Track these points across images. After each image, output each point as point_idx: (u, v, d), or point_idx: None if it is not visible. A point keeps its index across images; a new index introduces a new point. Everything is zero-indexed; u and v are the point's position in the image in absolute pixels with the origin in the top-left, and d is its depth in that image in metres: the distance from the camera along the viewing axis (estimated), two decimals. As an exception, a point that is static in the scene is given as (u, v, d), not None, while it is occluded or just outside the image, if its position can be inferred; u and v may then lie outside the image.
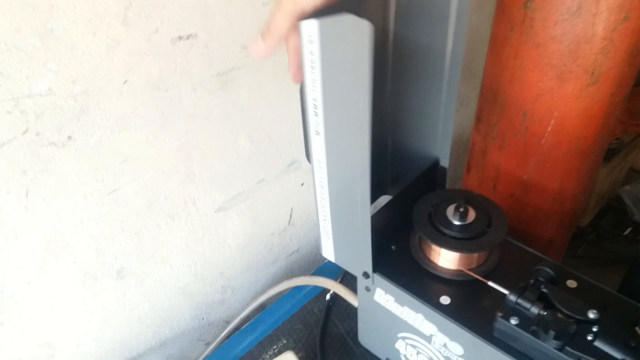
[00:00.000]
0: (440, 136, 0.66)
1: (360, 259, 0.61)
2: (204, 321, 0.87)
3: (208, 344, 0.89)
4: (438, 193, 0.63)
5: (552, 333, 0.48)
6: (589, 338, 0.48)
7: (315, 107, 0.52)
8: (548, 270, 0.54)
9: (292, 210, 0.90)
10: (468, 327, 0.55)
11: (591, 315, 0.50)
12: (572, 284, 0.57)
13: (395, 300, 0.61)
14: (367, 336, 0.72)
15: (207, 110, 0.67)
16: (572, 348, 0.48)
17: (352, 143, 0.52)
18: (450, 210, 0.59)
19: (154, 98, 0.61)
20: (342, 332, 0.76)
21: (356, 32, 0.45)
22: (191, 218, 0.73)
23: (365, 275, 0.62)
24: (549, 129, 0.83)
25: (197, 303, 0.83)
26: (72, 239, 0.62)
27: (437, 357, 0.61)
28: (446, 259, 0.59)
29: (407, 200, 0.63)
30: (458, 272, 0.59)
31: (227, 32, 0.64)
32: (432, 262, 0.61)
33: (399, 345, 0.66)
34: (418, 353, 0.64)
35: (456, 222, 0.58)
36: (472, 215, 0.59)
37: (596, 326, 0.49)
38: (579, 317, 0.50)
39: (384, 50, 0.63)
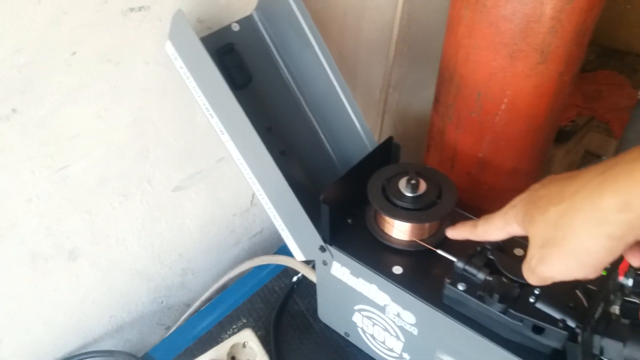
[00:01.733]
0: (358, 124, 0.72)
1: (312, 237, 0.62)
2: (163, 305, 0.86)
3: (168, 328, 0.88)
4: (392, 167, 0.64)
5: (496, 296, 0.50)
6: (531, 300, 0.50)
7: (208, 109, 0.61)
8: (495, 238, 0.56)
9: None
10: (418, 295, 0.56)
11: (534, 278, 0.51)
12: (519, 252, 0.58)
13: (351, 273, 0.62)
14: (326, 312, 0.73)
15: (161, 84, 0.66)
16: (515, 310, 0.50)
17: (242, 129, 0.60)
18: (402, 183, 0.60)
19: (105, 71, 0.60)
20: (303, 309, 0.77)
21: (179, 24, 0.57)
22: (146, 197, 0.72)
23: (322, 249, 0.63)
24: (503, 107, 0.85)
25: (155, 286, 0.82)
26: (19, 217, 0.60)
27: (391, 327, 0.62)
28: (398, 230, 0.60)
29: (363, 175, 0.63)
30: (410, 243, 0.60)
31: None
32: (386, 234, 0.62)
33: (356, 317, 0.67)
34: (374, 324, 0.65)
35: (408, 194, 0.59)
36: (423, 187, 0.60)
37: (538, 289, 0.51)
38: (522, 281, 0.51)
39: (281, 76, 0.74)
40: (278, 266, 0.83)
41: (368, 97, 1.06)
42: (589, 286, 0.50)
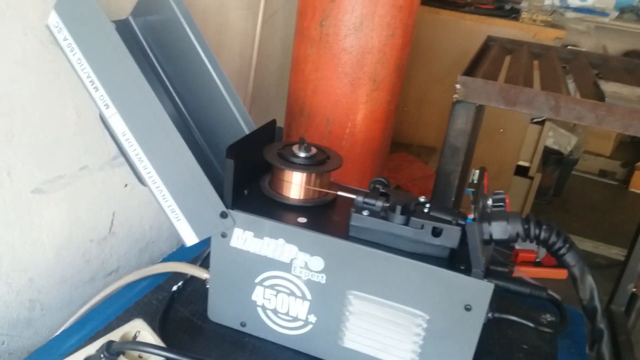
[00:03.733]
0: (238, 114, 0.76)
1: (212, 205, 0.62)
2: (3, 347, 0.69)
3: (2, 386, 0.70)
4: (280, 142, 0.70)
5: (399, 209, 0.57)
6: (426, 211, 0.59)
7: (92, 82, 0.61)
8: (382, 179, 0.65)
9: (113, 215, 0.83)
10: (327, 233, 0.60)
11: (422, 199, 0.61)
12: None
13: (255, 235, 0.63)
14: (218, 305, 0.69)
15: (37, 62, 0.63)
16: (416, 218, 0.57)
17: (141, 98, 0.61)
18: (295, 147, 0.66)
19: (-20, 28, 0.56)
20: (188, 315, 0.71)
21: None
22: (4, 192, 0.63)
23: (223, 214, 0.63)
24: (347, 131, 0.99)
25: (-4, 318, 0.67)
26: None
27: (297, 285, 0.63)
28: (297, 184, 0.65)
29: (251, 152, 0.67)
30: (308, 199, 0.65)
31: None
32: (284, 195, 0.65)
33: (257, 295, 0.65)
34: (278, 293, 0.64)
35: (302, 155, 0.65)
36: (314, 150, 0.67)
37: (428, 204, 0.60)
38: (415, 202, 0.60)
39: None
40: (150, 283, 0.76)
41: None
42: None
